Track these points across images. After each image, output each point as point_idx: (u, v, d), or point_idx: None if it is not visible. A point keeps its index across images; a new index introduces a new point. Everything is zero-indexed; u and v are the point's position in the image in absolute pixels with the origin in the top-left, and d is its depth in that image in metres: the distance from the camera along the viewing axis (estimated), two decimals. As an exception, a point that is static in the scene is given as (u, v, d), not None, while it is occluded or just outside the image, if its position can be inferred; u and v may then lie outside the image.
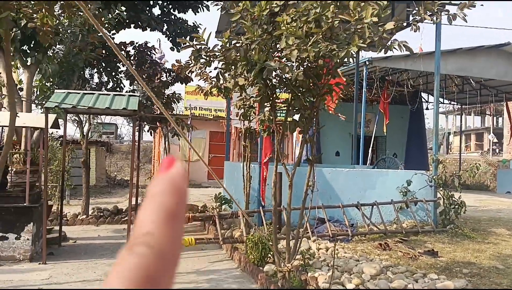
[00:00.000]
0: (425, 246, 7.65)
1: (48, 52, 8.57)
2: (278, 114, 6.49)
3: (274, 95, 5.51)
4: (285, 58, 4.87)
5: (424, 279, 5.51)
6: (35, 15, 5.76)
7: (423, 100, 23.28)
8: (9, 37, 5.63)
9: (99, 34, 8.72)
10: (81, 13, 7.75)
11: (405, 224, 9.16)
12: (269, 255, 6.47)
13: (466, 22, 5.10)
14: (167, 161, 0.42)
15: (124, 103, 7.26)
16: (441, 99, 23.42)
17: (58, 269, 6.72)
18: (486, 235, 8.85)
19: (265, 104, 5.59)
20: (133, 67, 10.72)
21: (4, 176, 7.26)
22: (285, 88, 5.57)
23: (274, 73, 5.14)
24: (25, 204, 7.27)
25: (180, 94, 11.42)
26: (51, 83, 9.66)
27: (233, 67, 5.13)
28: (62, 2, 6.11)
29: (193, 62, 5.16)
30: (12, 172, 7.58)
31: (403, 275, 5.60)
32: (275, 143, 5.66)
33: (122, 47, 11.18)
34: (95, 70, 11.27)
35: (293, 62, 4.90)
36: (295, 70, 4.73)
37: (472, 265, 6.52)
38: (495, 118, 42.51)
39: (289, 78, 5.00)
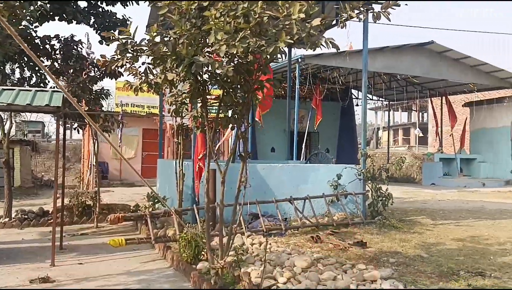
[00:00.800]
0: (354, 238, 7.89)
1: (-37, 45, 7.98)
2: (213, 111, 6.43)
3: (206, 91, 5.45)
4: (215, 54, 4.81)
5: (353, 270, 5.67)
6: None
7: (353, 96, 24.07)
8: None
9: (19, 27, 8.24)
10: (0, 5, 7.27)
11: (336, 216, 9.41)
12: (203, 252, 6.41)
13: (390, 20, 5.28)
14: None
15: (46, 100, 6.89)
16: (369, 96, 24.34)
17: (-24, 277, 6.27)
18: (412, 225, 9.27)
19: (197, 100, 5.52)
20: (58, 62, 10.24)
21: None
22: (216, 84, 5.51)
23: (205, 69, 5.07)
24: None
25: (109, 90, 11.02)
26: (-34, 79, 9.02)
27: (162, 62, 5.01)
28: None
29: (119, 56, 4.99)
30: None
31: (333, 267, 5.74)
32: (207, 139, 5.59)
33: (46, 40, 10.63)
34: (17, 64, 10.63)
35: (223, 58, 4.85)
36: (225, 66, 4.68)
37: (399, 255, 6.79)
38: (420, 113, 44.81)
39: (220, 73, 4.95)
